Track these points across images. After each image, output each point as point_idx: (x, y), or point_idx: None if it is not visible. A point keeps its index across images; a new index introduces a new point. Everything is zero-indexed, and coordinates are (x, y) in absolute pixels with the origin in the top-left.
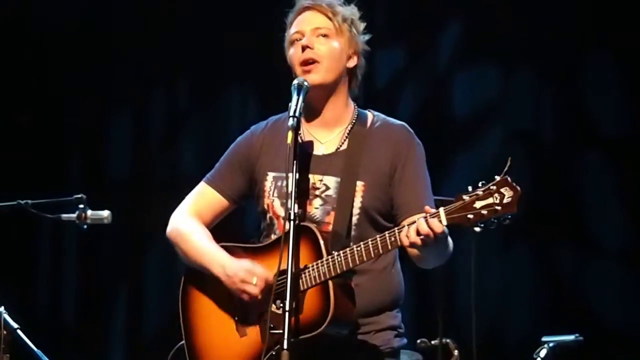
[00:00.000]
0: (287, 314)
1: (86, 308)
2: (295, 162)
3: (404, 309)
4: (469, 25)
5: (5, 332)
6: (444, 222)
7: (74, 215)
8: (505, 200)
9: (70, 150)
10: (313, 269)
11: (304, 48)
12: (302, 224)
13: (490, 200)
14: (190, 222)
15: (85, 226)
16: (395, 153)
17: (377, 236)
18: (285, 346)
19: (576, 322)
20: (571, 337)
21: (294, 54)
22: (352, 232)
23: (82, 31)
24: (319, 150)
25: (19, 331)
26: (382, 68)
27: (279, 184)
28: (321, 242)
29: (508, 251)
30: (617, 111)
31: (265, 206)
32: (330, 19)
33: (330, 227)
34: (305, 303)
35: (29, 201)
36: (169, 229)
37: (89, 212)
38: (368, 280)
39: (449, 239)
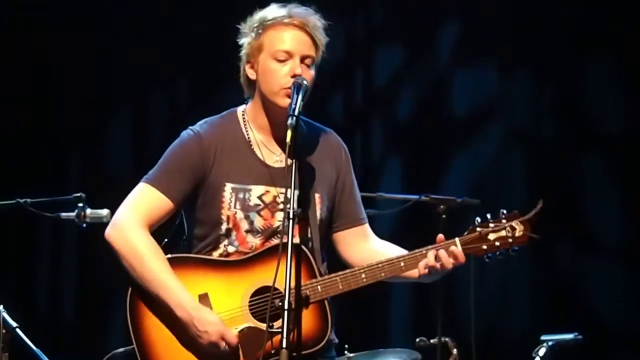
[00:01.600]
0: (286, 312)
1: (85, 307)
2: (293, 161)
3: (403, 308)
4: (468, 24)
5: (4, 331)
6: (462, 253)
7: (73, 214)
8: (517, 234)
9: (69, 148)
10: (307, 288)
11: (295, 76)
12: (290, 242)
13: (503, 233)
14: (144, 239)
15: (84, 225)
16: (337, 163)
17: (384, 261)
18: (284, 345)
19: (575, 321)
20: (570, 336)
21: (278, 73)
22: (320, 245)
23: (82, 29)
24: (276, 161)
25: (17, 330)
26: (381, 67)
27: (241, 195)
28: (314, 264)
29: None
30: (616, 110)
31: (224, 217)
32: (316, 46)
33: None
34: (303, 320)
35: (28, 200)
36: (113, 232)
37: (88, 210)
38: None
39: None
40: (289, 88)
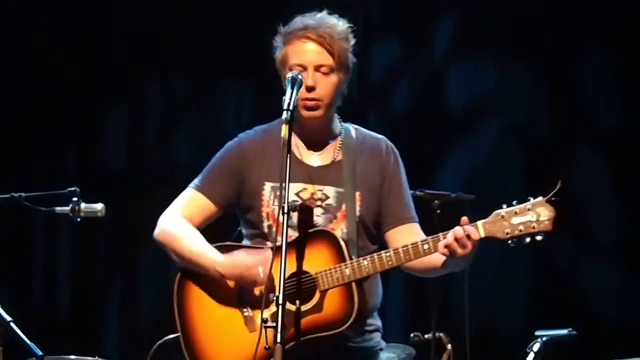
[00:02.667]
0: (280, 307)
1: (80, 301)
2: (289, 155)
3: (397, 303)
4: (463, 19)
5: None
6: (482, 234)
7: (67, 208)
8: (541, 219)
9: (64, 142)
10: (336, 271)
11: (308, 87)
12: (322, 228)
13: (527, 218)
14: (181, 224)
15: (78, 219)
16: (384, 166)
17: (408, 244)
18: (278, 339)
19: (570, 317)
20: (564, 332)
21: None
22: (358, 241)
23: (79, 25)
24: (314, 162)
25: (12, 324)
26: (376, 62)
27: (279, 193)
28: (343, 246)
29: (501, 245)
30: (612, 105)
31: (264, 214)
32: (332, 54)
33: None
34: (326, 303)
35: (23, 194)
36: (157, 231)
37: (83, 205)
38: (366, 283)
39: None
40: (306, 100)
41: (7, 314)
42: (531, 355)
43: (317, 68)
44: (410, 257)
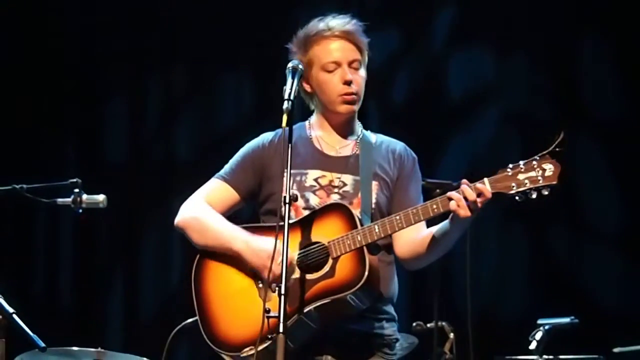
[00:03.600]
0: (282, 297)
1: (82, 292)
2: (290, 145)
3: (400, 292)
4: (463, 8)
5: (0, 317)
6: (489, 190)
7: (69, 200)
8: (546, 174)
9: (66, 134)
10: (348, 237)
11: (347, 82)
12: (333, 202)
13: (532, 173)
14: (204, 207)
15: (80, 210)
16: (400, 165)
17: (418, 205)
18: (280, 329)
19: (572, 305)
20: (567, 320)
21: (331, 83)
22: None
23: (79, 16)
24: (335, 152)
25: (14, 316)
26: (376, 51)
27: (298, 178)
28: (356, 215)
29: (503, 234)
30: (612, 94)
31: (283, 198)
32: (360, 50)
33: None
34: (338, 268)
35: (24, 185)
36: (178, 217)
37: (84, 196)
38: (382, 269)
39: None
40: (346, 94)
41: (10, 305)
42: (534, 344)
43: (350, 64)
44: (419, 218)
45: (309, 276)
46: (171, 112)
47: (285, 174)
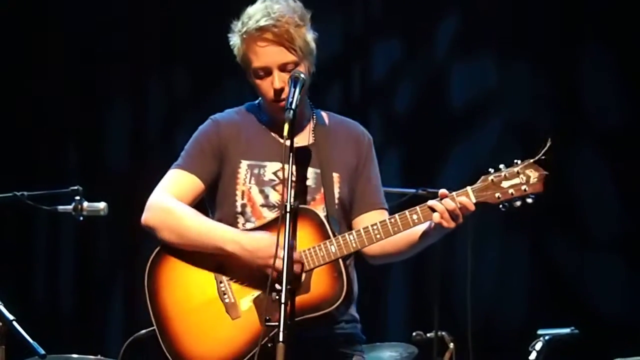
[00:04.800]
0: (282, 306)
1: (83, 300)
2: (291, 154)
3: (399, 302)
4: (466, 17)
5: (0, 324)
6: (473, 200)
7: (70, 207)
8: (531, 181)
9: (67, 141)
10: (320, 249)
11: (277, 91)
12: (302, 206)
13: (517, 181)
14: (174, 201)
15: (81, 218)
16: (358, 150)
17: (397, 215)
18: (281, 339)
19: (572, 315)
20: (567, 330)
21: (261, 86)
22: (339, 219)
23: (80, 22)
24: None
25: (14, 323)
26: (379, 60)
27: (256, 171)
28: (326, 224)
29: (504, 244)
30: (613, 103)
31: (239, 192)
32: (292, 50)
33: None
34: (314, 282)
35: (25, 193)
36: (146, 214)
37: (85, 203)
38: (351, 271)
39: None
40: (276, 101)
41: (10, 312)
42: (533, 354)
43: (282, 68)
44: (399, 228)
45: (277, 289)
46: (173, 118)
47: (285, 180)
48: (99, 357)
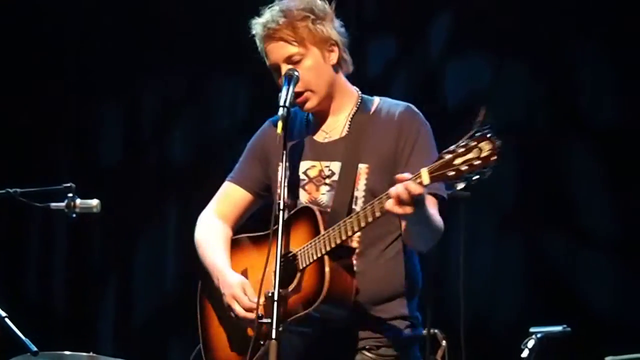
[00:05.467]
0: (275, 303)
1: (75, 297)
2: (284, 152)
3: None
4: (460, 16)
5: None
6: (425, 182)
7: (63, 204)
8: (483, 154)
9: (59, 138)
10: (311, 246)
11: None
12: (302, 205)
13: (470, 156)
14: (210, 229)
15: (74, 215)
16: (400, 133)
17: (367, 205)
18: (273, 336)
19: (564, 313)
20: (559, 328)
21: (280, 84)
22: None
23: (72, 19)
24: (323, 138)
25: (6, 320)
26: (373, 59)
27: (288, 172)
28: (319, 219)
29: (496, 242)
30: (608, 101)
31: (277, 196)
32: (294, 42)
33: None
34: (304, 281)
35: (18, 190)
36: (195, 232)
37: (78, 200)
38: (377, 266)
39: (438, 217)
40: (295, 96)
41: (2, 309)
42: (526, 352)
43: (288, 61)
44: (366, 220)
45: (282, 291)
46: (166, 115)
47: (280, 178)
48: (91, 354)
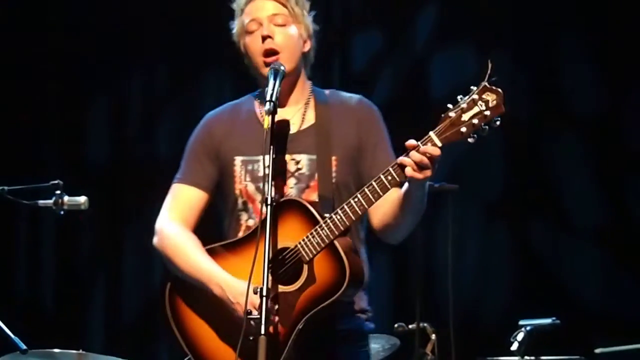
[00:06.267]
0: (264, 299)
1: (64, 294)
2: (272, 146)
3: (381, 294)
4: (445, 8)
5: None
6: (438, 144)
7: (50, 202)
8: (491, 105)
9: (47, 135)
10: (313, 236)
11: (264, 38)
12: (285, 199)
13: (476, 109)
14: (179, 234)
15: (62, 212)
16: (360, 126)
17: (372, 180)
18: (262, 331)
19: (553, 306)
20: (548, 321)
21: (251, 43)
22: (335, 207)
23: (60, 17)
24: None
25: None
26: (359, 51)
27: (250, 167)
28: (312, 209)
29: (485, 235)
30: (593, 91)
31: (237, 191)
32: (284, 5)
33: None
34: (317, 272)
35: (5, 187)
36: (156, 239)
37: (66, 198)
38: (359, 254)
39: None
40: (265, 52)
41: None
42: (515, 345)
43: (272, 19)
44: (378, 194)
45: (289, 288)
46: (153, 111)
47: (266, 172)
48: (80, 351)
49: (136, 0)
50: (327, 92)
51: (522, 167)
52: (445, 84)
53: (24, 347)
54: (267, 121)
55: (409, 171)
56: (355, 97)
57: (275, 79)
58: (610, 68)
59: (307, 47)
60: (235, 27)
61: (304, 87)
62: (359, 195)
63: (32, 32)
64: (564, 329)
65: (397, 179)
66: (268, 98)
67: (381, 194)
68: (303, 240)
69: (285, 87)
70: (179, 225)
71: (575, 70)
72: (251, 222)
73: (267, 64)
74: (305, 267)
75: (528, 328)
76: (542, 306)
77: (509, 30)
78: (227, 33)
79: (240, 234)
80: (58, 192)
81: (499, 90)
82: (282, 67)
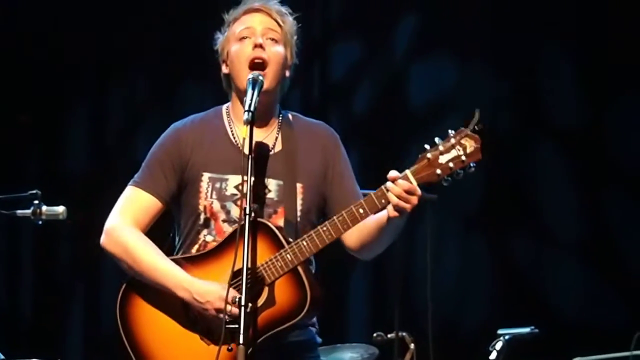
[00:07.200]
0: (243, 308)
1: (42, 304)
2: (250, 156)
3: (360, 303)
4: (424, 18)
5: None
6: (414, 183)
7: (29, 211)
8: (468, 150)
9: (25, 145)
10: (277, 259)
11: (256, 45)
12: (257, 220)
13: (454, 153)
14: (133, 235)
15: (40, 222)
16: (325, 154)
17: (343, 211)
18: (241, 341)
19: (532, 315)
20: (526, 330)
21: (241, 50)
22: (299, 234)
23: (39, 26)
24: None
25: None
26: (337, 61)
27: (217, 185)
28: (278, 233)
29: (464, 244)
30: (572, 103)
31: (202, 207)
32: (280, 25)
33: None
34: (277, 294)
35: None
36: (105, 239)
37: (44, 207)
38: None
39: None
40: (253, 59)
41: None
42: (494, 354)
43: (266, 32)
44: (348, 225)
45: (251, 305)
46: (132, 122)
47: (245, 185)
48: None
49: (116, 12)
50: (290, 116)
51: (501, 177)
52: (424, 94)
53: (2, 357)
54: (245, 131)
55: (393, 199)
56: (318, 123)
57: (253, 89)
58: (591, 80)
59: (288, 73)
60: (224, 34)
61: (275, 110)
62: (328, 225)
63: (12, 40)
64: (542, 338)
65: (369, 212)
66: (247, 108)
67: (351, 225)
68: (266, 262)
69: (260, 107)
70: (131, 226)
71: (555, 82)
72: (209, 239)
73: (250, 67)
74: (266, 288)
75: (506, 337)
76: (521, 315)
77: (488, 41)
78: (208, 44)
79: (194, 250)
80: (36, 202)
81: (478, 137)
82: (260, 77)
